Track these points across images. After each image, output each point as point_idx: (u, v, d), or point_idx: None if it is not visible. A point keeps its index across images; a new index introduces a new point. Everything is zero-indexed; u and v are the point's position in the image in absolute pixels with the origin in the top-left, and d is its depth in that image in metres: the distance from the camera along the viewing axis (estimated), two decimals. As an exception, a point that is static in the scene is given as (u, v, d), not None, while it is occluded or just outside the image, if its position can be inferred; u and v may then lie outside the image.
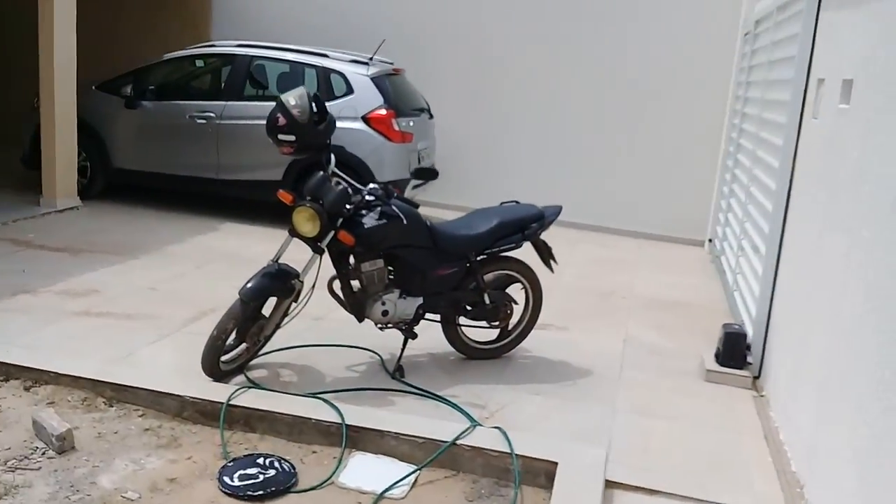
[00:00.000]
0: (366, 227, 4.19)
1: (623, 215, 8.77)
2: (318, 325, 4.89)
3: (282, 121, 4.26)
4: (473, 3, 9.25)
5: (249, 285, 4.10)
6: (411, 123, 7.88)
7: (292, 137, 4.26)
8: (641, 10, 8.70)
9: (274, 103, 7.60)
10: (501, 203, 4.84)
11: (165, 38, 9.84)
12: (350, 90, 7.60)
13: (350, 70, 7.69)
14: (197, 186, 7.91)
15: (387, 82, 7.83)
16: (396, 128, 7.58)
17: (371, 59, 7.79)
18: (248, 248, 6.72)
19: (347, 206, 4.17)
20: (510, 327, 4.76)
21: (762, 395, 4.35)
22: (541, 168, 9.08)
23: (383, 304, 4.33)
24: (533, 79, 9.12)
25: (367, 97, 7.56)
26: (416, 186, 7.85)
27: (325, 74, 7.73)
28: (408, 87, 8.36)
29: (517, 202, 4.84)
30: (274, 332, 4.33)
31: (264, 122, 7.32)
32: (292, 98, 4.27)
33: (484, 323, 4.66)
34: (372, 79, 7.65)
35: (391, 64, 8.18)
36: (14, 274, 5.59)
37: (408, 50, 8.85)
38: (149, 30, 10.17)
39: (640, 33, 8.72)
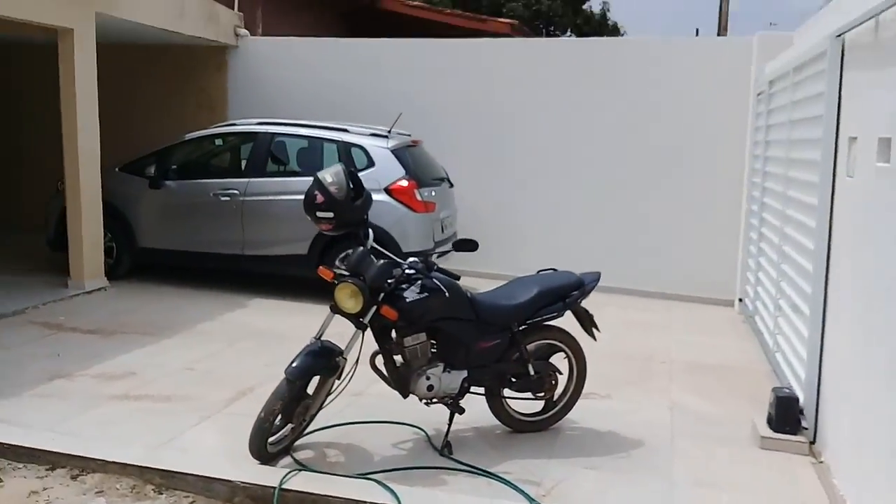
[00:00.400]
0: (408, 301, 4.18)
1: (648, 277, 8.75)
2: (359, 400, 4.82)
3: (320, 198, 4.26)
4: (485, 73, 9.42)
5: (295, 364, 4.07)
6: (433, 193, 7.95)
7: (331, 214, 4.26)
8: (652, 74, 8.84)
9: (295, 178, 7.84)
10: (538, 271, 4.84)
11: (183, 119, 10.05)
12: (371, 163, 7.68)
13: (370, 143, 7.80)
14: (223, 263, 7.95)
15: (406, 154, 7.94)
16: (419, 198, 7.65)
17: (389, 131, 7.91)
18: (277, 324, 6.71)
19: (389, 281, 4.17)
20: (556, 398, 4.69)
21: (821, 462, 4.25)
22: (562, 233, 9.11)
23: (428, 378, 4.28)
24: (549, 144, 9.21)
25: (389, 169, 7.65)
26: (439, 256, 7.87)
27: (345, 148, 7.83)
28: (427, 158, 8.46)
29: (554, 269, 4.83)
30: (318, 410, 4.28)
31: (287, 197, 7.66)
32: (329, 175, 4.29)
33: (529, 394, 4.60)
34: (392, 151, 7.75)
35: (409, 136, 8.30)
36: (48, 358, 5.57)
37: (423, 121, 8.97)
38: (167, 112, 10.38)
39: (652, 96, 8.84)
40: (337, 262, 7.51)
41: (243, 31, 10.45)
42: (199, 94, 10.51)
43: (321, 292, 7.40)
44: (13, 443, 4.07)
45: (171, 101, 10.51)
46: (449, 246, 5.31)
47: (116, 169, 8.23)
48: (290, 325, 6.65)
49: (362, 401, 4.83)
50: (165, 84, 10.59)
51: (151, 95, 10.51)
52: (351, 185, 4.27)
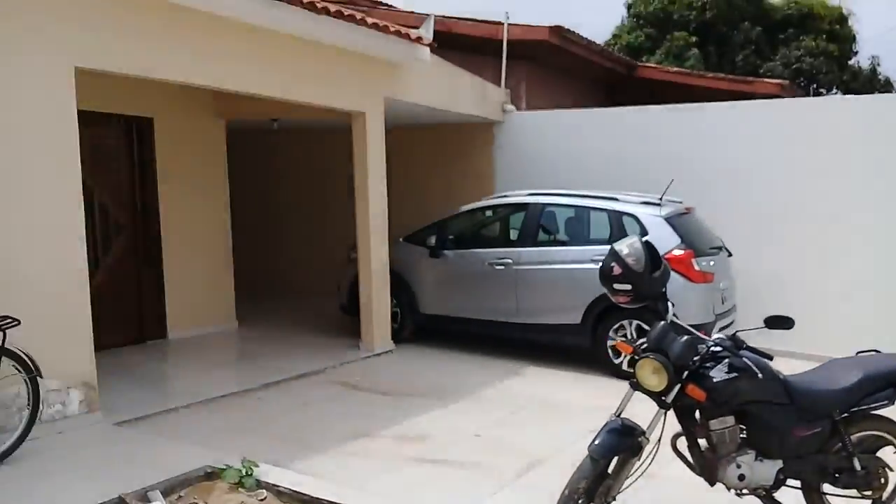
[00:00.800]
0: (715, 380, 3.94)
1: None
2: (653, 484, 4.57)
3: (616, 270, 4.18)
4: (759, 136, 8.94)
5: (598, 442, 3.98)
6: (711, 263, 7.62)
7: (628, 286, 4.17)
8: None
9: (567, 248, 7.91)
10: (857, 353, 4.38)
11: (454, 191, 10.64)
12: (644, 232, 7.52)
13: (642, 212, 7.68)
14: (498, 330, 8.17)
15: (680, 221, 7.71)
16: (696, 267, 7.36)
17: (661, 198, 7.74)
18: (555, 394, 6.72)
19: (694, 359, 3.98)
20: (885, 498, 4.16)
21: None
22: (858, 308, 8.25)
23: (738, 466, 3.99)
24: (839, 210, 8.48)
25: (663, 238, 7.43)
26: (721, 329, 7.47)
27: (616, 217, 7.78)
28: (700, 226, 8.15)
29: (877, 351, 4.35)
30: (619, 492, 4.15)
31: (558, 266, 7.74)
32: (625, 247, 4.21)
33: (854, 492, 4.12)
34: (665, 219, 7.57)
35: (681, 202, 8.06)
36: (350, 417, 6.01)
37: (693, 188, 8.64)
38: (441, 185, 11.03)
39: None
40: (611, 333, 7.44)
41: (510, 107, 10.91)
42: (468, 168, 11.07)
43: (594, 362, 7.40)
44: (331, 499, 4.35)
45: (443, 175, 11.17)
46: (755, 321, 5.00)
47: (400, 239, 8.85)
48: (569, 395, 6.67)
49: (657, 484, 4.61)
50: (438, 159, 11.29)
51: (426, 170, 11.24)
52: (649, 257, 4.18)
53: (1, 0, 4.99)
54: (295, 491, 4.40)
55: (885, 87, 28.13)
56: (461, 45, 11.25)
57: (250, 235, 11.35)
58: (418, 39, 7.90)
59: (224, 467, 4.55)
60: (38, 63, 5.19)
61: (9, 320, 4.69)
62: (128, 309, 8.29)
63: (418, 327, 8.71)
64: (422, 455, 5.20)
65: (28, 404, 4.92)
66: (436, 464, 5.06)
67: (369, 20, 7.24)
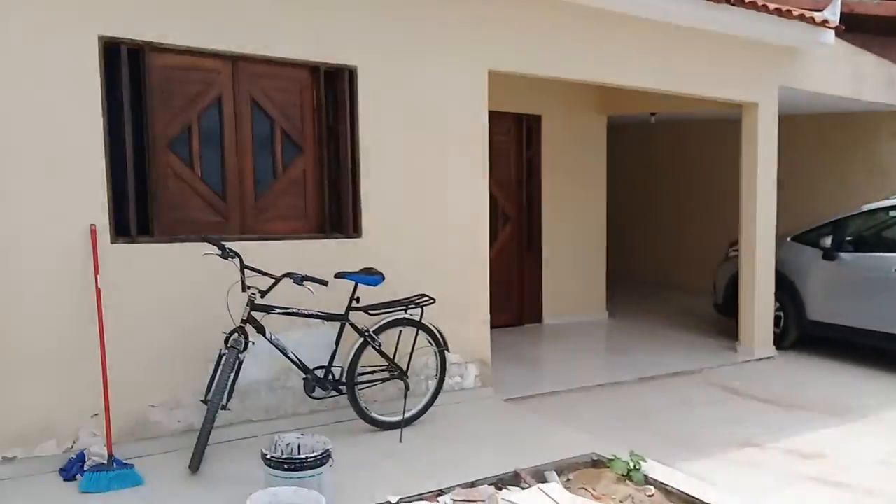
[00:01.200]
0: None
1: None
2: None
3: None
4: None
5: None
6: None
7: None
8: None
9: None
10: None
11: (850, 188, 9.61)
12: None
13: None
14: (905, 346, 7.21)
15: None
16: None
17: None
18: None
19: None
20: None
21: None
22: None
23: None
24: None
25: None
26: None
27: None
28: None
29: None
30: None
31: None
32: None
33: None
34: None
35: None
36: (732, 423, 5.75)
37: None
38: (834, 180, 10.05)
39: None
40: None
41: (925, 93, 9.49)
42: (868, 162, 9.91)
43: None
44: (723, 505, 4.20)
45: (835, 169, 10.17)
46: None
47: (788, 238, 8.22)
48: None
49: None
50: (829, 151, 10.29)
51: (815, 163, 10.33)
52: None
53: (425, 7, 5.59)
54: (685, 493, 4.30)
55: None
56: (863, 26, 10.05)
57: (621, 227, 11.46)
58: (824, 23, 7.23)
59: (612, 457, 4.62)
60: (460, 66, 5.74)
61: (427, 299, 5.29)
62: (510, 293, 8.90)
63: (803, 334, 8.03)
64: (819, 475, 4.77)
65: (435, 374, 5.52)
66: (837, 487, 4.62)
67: (770, 6, 6.80)
